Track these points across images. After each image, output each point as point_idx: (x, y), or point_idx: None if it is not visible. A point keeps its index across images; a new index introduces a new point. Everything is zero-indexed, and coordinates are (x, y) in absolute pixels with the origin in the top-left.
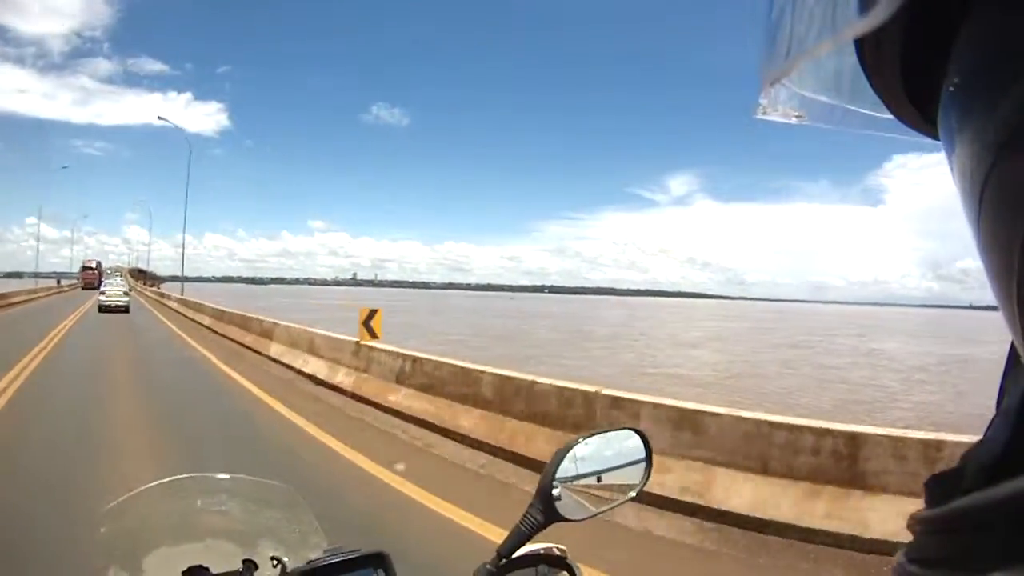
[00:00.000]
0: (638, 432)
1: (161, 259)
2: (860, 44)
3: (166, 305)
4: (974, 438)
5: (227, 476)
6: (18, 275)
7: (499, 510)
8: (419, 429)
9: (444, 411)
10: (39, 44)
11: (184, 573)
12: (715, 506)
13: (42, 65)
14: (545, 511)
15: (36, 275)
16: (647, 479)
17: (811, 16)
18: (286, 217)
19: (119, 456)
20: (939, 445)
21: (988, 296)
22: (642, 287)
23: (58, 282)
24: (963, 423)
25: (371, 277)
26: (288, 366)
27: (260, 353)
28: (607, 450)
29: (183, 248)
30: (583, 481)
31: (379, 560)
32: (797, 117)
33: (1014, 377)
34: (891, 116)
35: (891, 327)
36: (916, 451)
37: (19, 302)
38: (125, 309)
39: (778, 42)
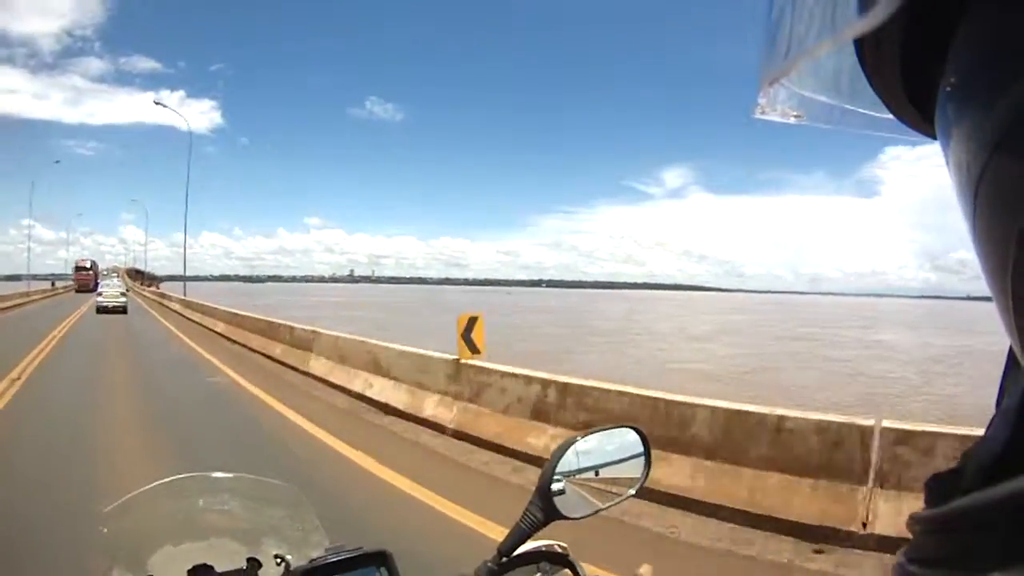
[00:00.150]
0: (636, 429)
1: (157, 259)
2: (860, 44)
3: (168, 308)
4: None
5: (229, 475)
6: (17, 278)
7: None
8: None
9: None
10: (29, 44)
11: (189, 572)
12: None
13: (33, 65)
14: (545, 509)
15: (21, 277)
16: (647, 475)
17: (811, 16)
18: (282, 214)
19: None
20: None
21: (985, 287)
22: (640, 280)
23: (52, 284)
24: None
25: (368, 273)
26: (343, 389)
27: (297, 370)
28: (606, 447)
29: (184, 247)
30: (582, 477)
31: (381, 558)
32: (796, 117)
33: (1013, 377)
34: (891, 116)
35: (892, 318)
36: None
37: (10, 307)
38: (123, 310)
39: (777, 42)
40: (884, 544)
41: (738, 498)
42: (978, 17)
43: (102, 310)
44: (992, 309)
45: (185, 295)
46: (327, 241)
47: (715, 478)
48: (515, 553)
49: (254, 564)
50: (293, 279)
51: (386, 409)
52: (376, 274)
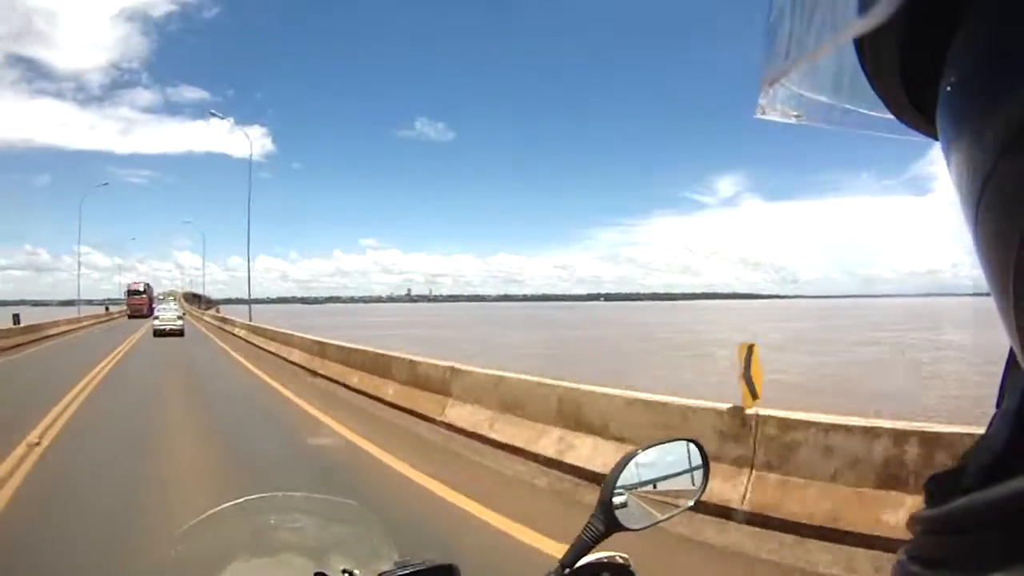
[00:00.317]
0: (695, 442)
1: (214, 282)
2: (860, 44)
3: (232, 334)
4: None
5: (298, 495)
6: (71, 303)
7: None
8: None
9: None
10: (77, 78)
11: None
12: None
13: (82, 98)
14: (606, 521)
15: (75, 303)
16: (704, 487)
17: (811, 16)
18: (338, 236)
19: None
20: None
21: None
22: (697, 290)
23: (107, 309)
24: None
25: (425, 292)
26: (518, 451)
27: (429, 420)
28: (666, 459)
29: (248, 268)
30: (643, 490)
31: (449, 572)
32: (796, 117)
33: (1014, 377)
34: (891, 116)
35: (952, 318)
36: None
37: (56, 334)
38: (180, 332)
39: (777, 42)
40: None
41: None
42: (979, 17)
43: (159, 333)
44: None
45: (251, 320)
46: (384, 261)
47: None
48: (577, 565)
49: None
50: (351, 300)
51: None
52: (434, 293)
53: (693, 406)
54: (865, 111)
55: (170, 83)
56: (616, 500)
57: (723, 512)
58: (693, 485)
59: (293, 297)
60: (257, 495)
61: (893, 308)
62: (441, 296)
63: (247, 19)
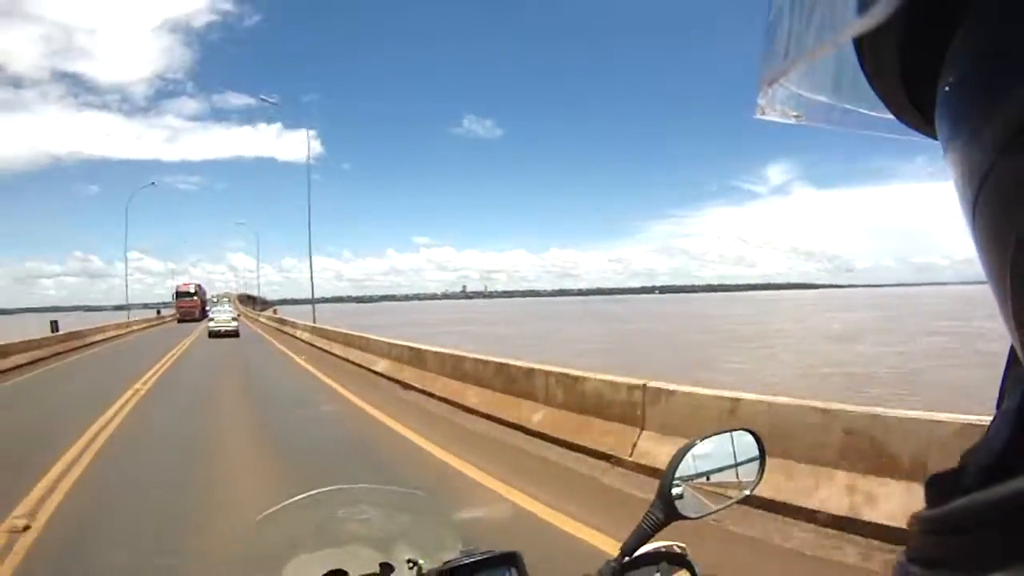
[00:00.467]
0: (752, 432)
1: (268, 284)
2: (859, 44)
3: (293, 336)
4: None
5: (365, 486)
6: (126, 308)
7: None
8: None
9: None
10: (121, 90)
11: None
12: None
13: (127, 109)
14: (665, 510)
15: (129, 307)
16: (761, 477)
17: (810, 16)
18: (391, 235)
19: None
20: None
21: None
22: (751, 281)
23: (158, 312)
24: None
25: (480, 289)
26: (809, 516)
27: (620, 462)
28: (723, 450)
29: (310, 269)
30: (700, 480)
31: (512, 560)
32: (795, 117)
33: (1014, 377)
34: (891, 116)
35: None
36: None
37: (100, 341)
38: (235, 333)
39: (776, 42)
40: None
41: None
42: (978, 17)
43: (214, 334)
44: None
45: (314, 321)
46: (437, 259)
47: None
48: (637, 553)
49: (387, 568)
50: (406, 298)
51: None
52: (488, 289)
53: None
54: (865, 111)
55: (215, 91)
56: (675, 490)
57: None
58: (750, 474)
59: (348, 296)
60: (328, 488)
61: (951, 296)
62: (496, 292)
63: (289, 25)
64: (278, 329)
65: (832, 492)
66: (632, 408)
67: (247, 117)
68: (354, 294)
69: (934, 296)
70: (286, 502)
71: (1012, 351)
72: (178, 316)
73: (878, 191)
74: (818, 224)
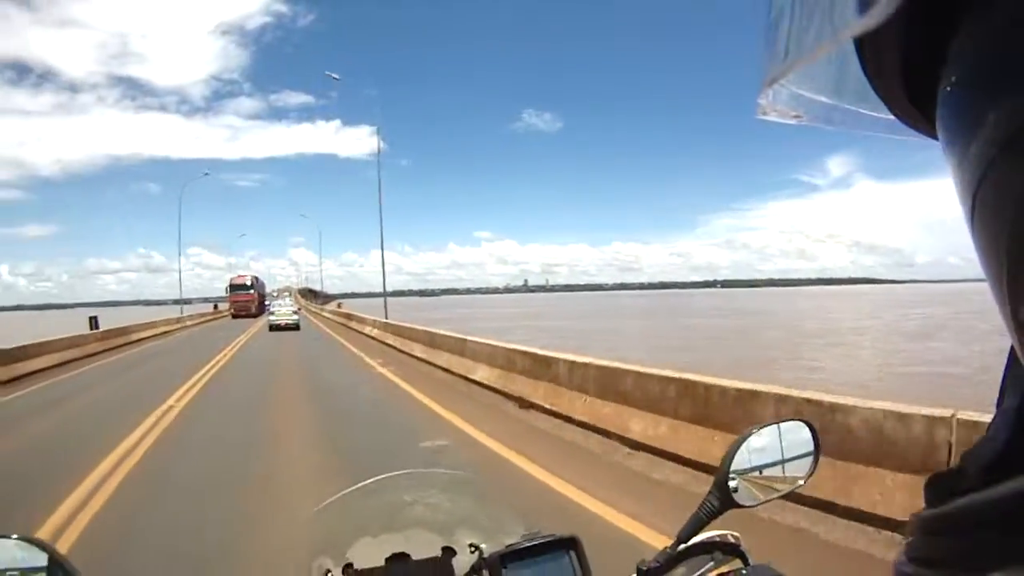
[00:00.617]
0: (807, 423)
1: (329, 278)
2: (860, 44)
3: (361, 333)
4: None
5: (427, 471)
6: (187, 302)
7: None
8: None
9: None
10: (179, 92)
11: (387, 560)
12: None
13: (186, 110)
14: (721, 498)
15: (191, 301)
16: (814, 468)
17: (810, 16)
18: (451, 229)
19: None
20: None
21: None
22: (812, 275)
23: (215, 307)
24: None
25: (542, 283)
26: None
27: None
28: (779, 440)
29: (383, 262)
30: (757, 467)
31: (571, 543)
32: (796, 117)
33: (1014, 377)
34: (891, 116)
35: None
36: None
37: (148, 338)
38: (296, 327)
39: (777, 42)
40: None
41: None
42: (979, 17)
43: (275, 327)
44: None
45: (386, 316)
46: (499, 253)
47: None
48: (692, 541)
49: (449, 552)
50: (468, 291)
51: None
52: (550, 283)
53: None
54: (866, 111)
55: (272, 90)
56: (732, 483)
57: None
58: (803, 463)
59: (409, 290)
60: (391, 473)
61: None
62: (558, 286)
63: (344, 23)
64: (343, 325)
65: None
66: (932, 453)
67: (306, 115)
68: (415, 288)
69: None
70: (350, 488)
71: (1012, 351)
72: (232, 311)
73: (940, 184)
74: (880, 218)
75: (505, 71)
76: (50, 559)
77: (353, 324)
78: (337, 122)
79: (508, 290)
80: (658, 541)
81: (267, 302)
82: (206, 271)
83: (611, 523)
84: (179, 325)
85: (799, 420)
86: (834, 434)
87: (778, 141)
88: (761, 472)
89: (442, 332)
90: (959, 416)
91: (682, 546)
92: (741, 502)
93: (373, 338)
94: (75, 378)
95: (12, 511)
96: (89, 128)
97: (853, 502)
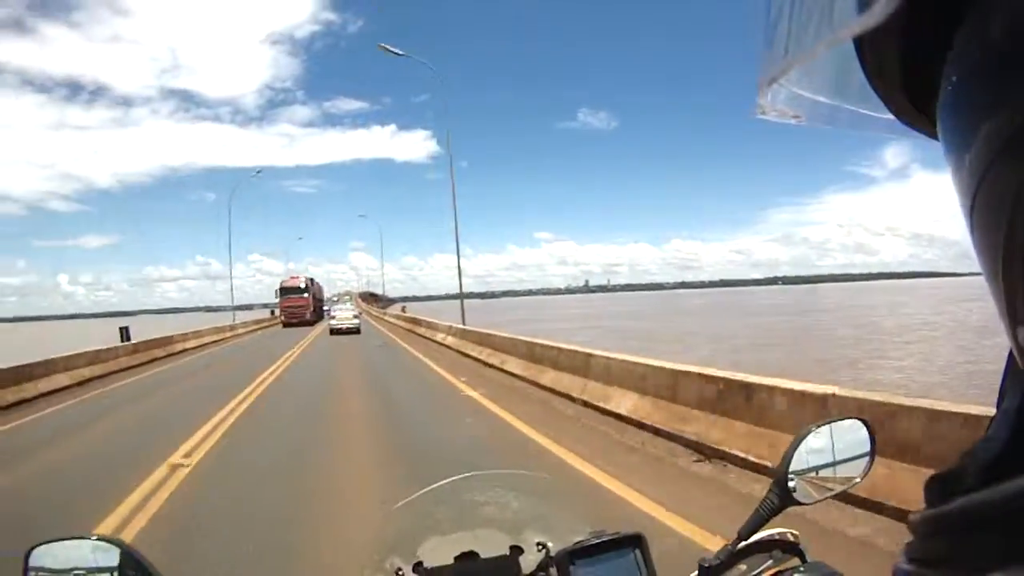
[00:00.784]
0: (864, 421)
1: (389, 281)
2: (859, 43)
3: (433, 341)
4: None
5: (496, 472)
6: (248, 307)
7: None
8: None
9: None
10: (232, 102)
11: (456, 558)
12: None
13: (240, 120)
14: (781, 495)
15: (232, 308)
16: (870, 466)
17: (809, 15)
18: (510, 231)
19: None
20: None
21: None
22: (872, 270)
23: (272, 313)
24: None
25: (603, 283)
26: None
27: None
28: (836, 437)
29: (459, 265)
30: (815, 465)
31: (636, 541)
32: (795, 117)
33: (1014, 378)
34: (891, 116)
35: None
36: None
37: (190, 349)
38: (357, 331)
39: (776, 42)
40: None
41: None
42: (979, 18)
43: (335, 331)
44: None
45: (464, 322)
46: (559, 253)
47: None
48: (752, 539)
49: (516, 551)
50: (529, 292)
51: None
52: (611, 283)
53: None
54: (866, 111)
55: (326, 97)
56: (791, 482)
57: None
58: (860, 460)
59: (470, 292)
60: (463, 475)
61: None
62: (618, 285)
63: (394, 28)
64: (410, 331)
65: None
66: None
67: (361, 120)
68: (476, 290)
69: None
70: (423, 490)
71: (1011, 352)
72: (283, 318)
73: None
74: (939, 209)
75: (560, 72)
76: (123, 556)
77: (421, 330)
78: (392, 127)
79: (569, 291)
80: None
81: (326, 307)
82: (266, 277)
83: None
84: (230, 333)
85: (856, 418)
86: None
87: (832, 132)
88: (818, 472)
89: (545, 342)
90: None
91: (742, 543)
92: (800, 499)
93: (448, 347)
94: (75, 407)
95: None
96: (144, 140)
97: None
